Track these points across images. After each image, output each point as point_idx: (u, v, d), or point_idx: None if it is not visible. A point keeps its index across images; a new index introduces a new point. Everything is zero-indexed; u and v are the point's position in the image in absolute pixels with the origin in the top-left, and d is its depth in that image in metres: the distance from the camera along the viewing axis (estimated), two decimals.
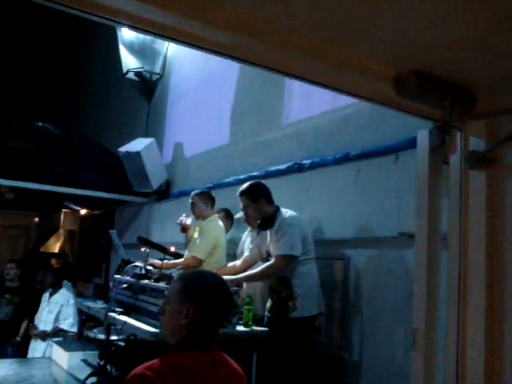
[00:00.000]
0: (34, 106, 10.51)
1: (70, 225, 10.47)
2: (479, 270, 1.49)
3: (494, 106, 1.49)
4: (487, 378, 1.44)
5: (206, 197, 4.49)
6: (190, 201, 4.48)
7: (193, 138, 6.57)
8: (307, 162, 4.14)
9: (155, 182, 6.50)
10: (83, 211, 9.80)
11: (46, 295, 6.03)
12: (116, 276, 4.01)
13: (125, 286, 3.65)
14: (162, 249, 5.32)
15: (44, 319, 5.87)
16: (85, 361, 3.95)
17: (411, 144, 3.20)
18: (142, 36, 7.70)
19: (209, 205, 4.45)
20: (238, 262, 3.94)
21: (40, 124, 8.30)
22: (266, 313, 3.48)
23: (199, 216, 4.47)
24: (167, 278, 3.28)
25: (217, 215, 4.54)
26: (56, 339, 5.32)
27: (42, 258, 9.87)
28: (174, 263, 4.21)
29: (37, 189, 7.11)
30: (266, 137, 4.97)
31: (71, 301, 5.68)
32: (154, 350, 3.08)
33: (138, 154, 6.25)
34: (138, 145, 6.42)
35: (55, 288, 5.97)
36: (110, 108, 9.14)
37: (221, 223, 4.46)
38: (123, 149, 6.43)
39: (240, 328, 3.21)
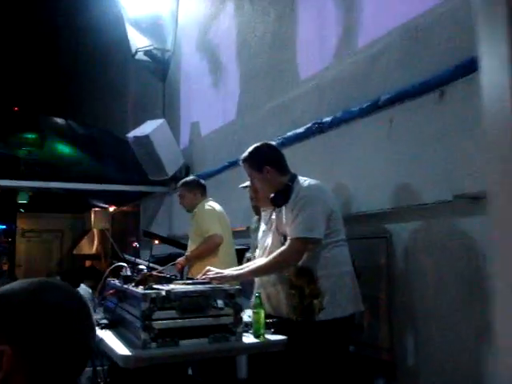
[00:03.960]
0: (41, 97, 9.99)
1: (101, 224, 9.96)
2: None
3: None
4: None
5: (194, 185, 4.04)
6: (178, 193, 4.11)
7: (207, 114, 5.81)
8: (328, 119, 3.30)
9: (170, 167, 5.78)
10: (112, 208, 9.26)
11: None
12: (110, 279, 3.33)
13: (111, 291, 2.95)
14: (169, 241, 4.70)
15: None
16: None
17: (463, 71, 2.34)
18: (148, 12, 7.04)
19: (197, 194, 4.00)
20: (259, 258, 2.92)
21: (63, 121, 7.87)
22: (286, 315, 2.68)
23: (189, 208, 4.04)
24: (150, 280, 2.54)
25: (210, 199, 4.07)
26: None
27: (75, 261, 9.47)
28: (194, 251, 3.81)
29: (45, 187, 6.57)
30: (283, 99, 4.15)
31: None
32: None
33: (146, 137, 5.55)
34: (146, 128, 5.72)
35: None
36: (124, 94, 8.50)
37: (214, 203, 3.98)
38: (131, 134, 5.75)
39: (248, 339, 2.44)
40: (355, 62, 3.26)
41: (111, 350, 2.25)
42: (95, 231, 10.19)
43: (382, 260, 2.95)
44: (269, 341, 2.43)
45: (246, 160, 2.82)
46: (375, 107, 2.91)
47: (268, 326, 2.53)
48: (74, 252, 9.92)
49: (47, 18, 10.20)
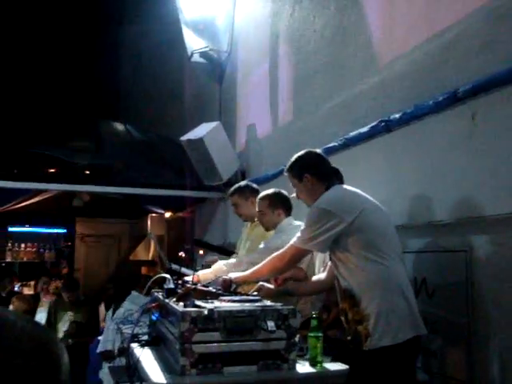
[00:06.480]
0: (99, 101, 9.98)
1: (157, 230, 9.84)
2: None
3: None
4: None
5: (248, 191, 3.59)
6: (231, 202, 3.67)
7: (265, 116, 5.52)
8: (396, 116, 2.92)
9: (225, 171, 5.51)
10: (168, 214, 9.12)
11: (110, 312, 5.32)
12: (154, 290, 3.10)
13: (153, 304, 2.70)
14: (223, 252, 4.40)
15: (111, 338, 5.16)
16: None
17: None
18: (204, 13, 6.86)
19: (254, 200, 3.50)
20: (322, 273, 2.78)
21: (122, 126, 7.85)
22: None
23: (247, 217, 3.62)
24: (194, 296, 2.26)
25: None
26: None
27: (131, 267, 9.38)
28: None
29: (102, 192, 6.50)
30: (344, 97, 3.80)
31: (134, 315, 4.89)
32: None
33: (200, 140, 5.31)
34: (200, 130, 5.49)
35: (117, 302, 5.24)
36: (180, 98, 8.34)
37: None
38: (185, 137, 5.53)
39: (303, 368, 2.10)
40: (427, 53, 2.87)
41: (146, 374, 1.98)
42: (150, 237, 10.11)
43: (458, 277, 2.54)
44: (327, 371, 2.09)
45: (288, 170, 2.65)
46: (453, 100, 2.51)
47: (325, 352, 2.19)
48: (131, 258, 9.84)
49: (104, 22, 10.25)
